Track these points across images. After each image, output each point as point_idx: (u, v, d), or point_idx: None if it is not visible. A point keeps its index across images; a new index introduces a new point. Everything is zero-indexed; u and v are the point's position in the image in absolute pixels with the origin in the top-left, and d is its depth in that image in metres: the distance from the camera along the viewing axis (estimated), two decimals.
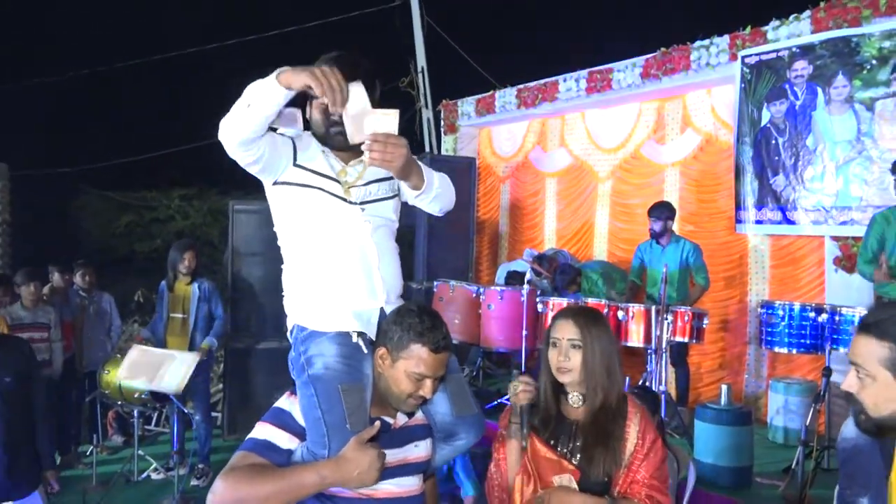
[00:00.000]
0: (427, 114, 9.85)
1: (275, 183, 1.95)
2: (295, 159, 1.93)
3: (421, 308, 1.87)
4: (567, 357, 1.99)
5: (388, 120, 1.82)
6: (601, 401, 1.99)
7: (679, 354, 5.60)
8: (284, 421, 1.83)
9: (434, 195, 2.00)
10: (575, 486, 1.94)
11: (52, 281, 5.85)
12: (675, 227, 5.88)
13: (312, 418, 1.78)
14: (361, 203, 1.97)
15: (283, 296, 2.04)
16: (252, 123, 1.75)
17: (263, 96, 1.72)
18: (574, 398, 2.04)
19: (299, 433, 1.81)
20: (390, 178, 2.02)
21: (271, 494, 1.68)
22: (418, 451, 1.93)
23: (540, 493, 1.89)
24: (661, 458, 2.01)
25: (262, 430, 1.81)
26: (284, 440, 1.80)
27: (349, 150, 1.97)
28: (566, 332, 2.01)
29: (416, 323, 1.82)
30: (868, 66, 5.10)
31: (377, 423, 1.80)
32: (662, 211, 5.70)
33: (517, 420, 1.99)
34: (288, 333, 2.01)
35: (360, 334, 1.90)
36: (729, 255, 6.41)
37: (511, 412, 2.05)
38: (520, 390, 2.00)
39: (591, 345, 1.99)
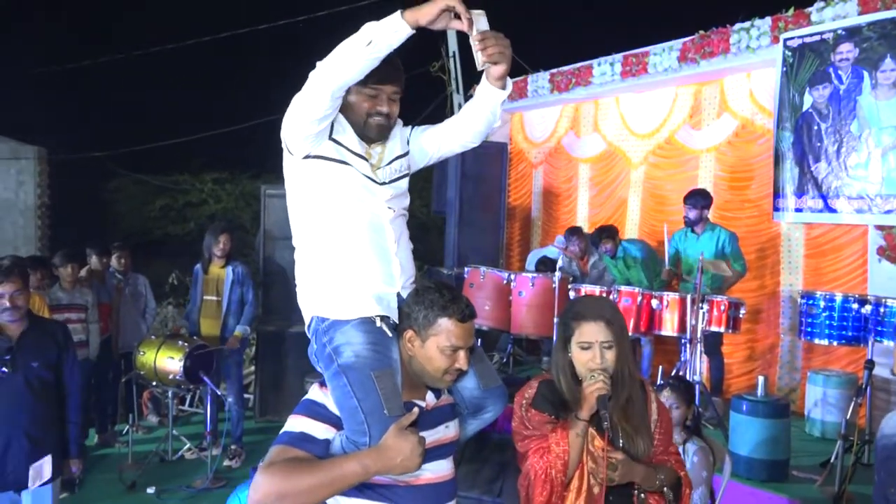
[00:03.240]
0: (458, 98, 9.77)
1: (306, 156, 1.89)
2: (332, 132, 1.90)
3: (437, 284, 1.87)
4: (604, 358, 2.02)
5: (483, 20, 1.79)
6: (628, 392, 2.05)
7: (713, 344, 5.50)
8: (318, 412, 1.81)
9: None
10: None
11: (90, 263, 5.94)
12: (709, 214, 5.77)
13: (348, 408, 1.77)
14: (388, 183, 1.97)
15: (296, 290, 2.00)
16: (366, 63, 1.73)
17: (387, 34, 1.69)
18: None
19: (335, 422, 1.80)
20: (405, 156, 2.03)
21: (314, 487, 1.67)
22: (448, 431, 1.93)
23: (611, 460, 1.97)
24: (672, 426, 2.25)
25: (297, 423, 1.80)
26: (321, 430, 1.78)
27: (380, 142, 1.98)
28: (598, 335, 2.03)
29: (437, 298, 1.82)
30: None
31: (415, 409, 1.79)
32: (698, 199, 5.60)
33: (605, 410, 1.97)
34: (306, 328, 1.98)
35: (384, 318, 1.88)
36: (761, 243, 6.27)
37: (593, 405, 2.01)
38: (599, 380, 1.99)
39: (622, 342, 2.04)
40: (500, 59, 1.81)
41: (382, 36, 1.69)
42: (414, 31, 1.71)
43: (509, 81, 1.93)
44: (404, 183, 2.03)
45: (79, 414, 3.40)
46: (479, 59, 1.80)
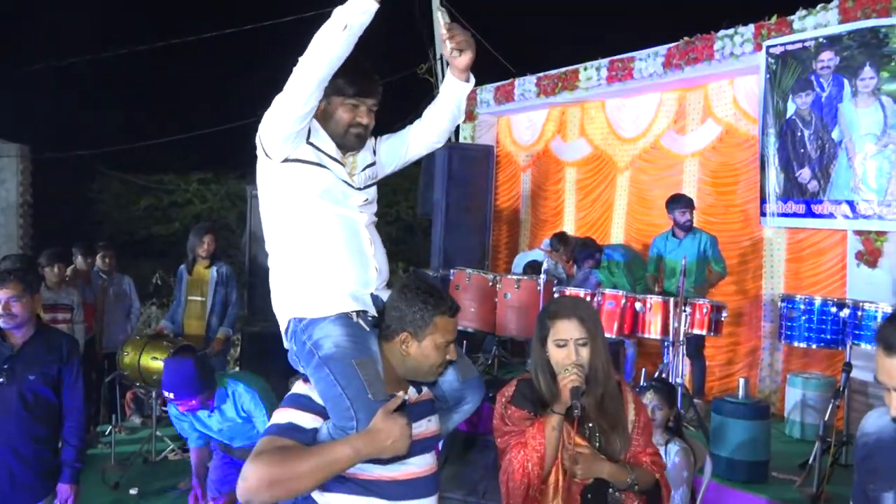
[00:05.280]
0: None
1: (285, 160, 1.92)
2: (309, 136, 1.95)
3: (419, 285, 1.91)
4: (579, 355, 2.07)
5: (445, 14, 1.97)
6: (603, 389, 2.09)
7: (695, 347, 5.56)
8: (304, 403, 1.84)
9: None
10: None
11: (76, 263, 5.90)
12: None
13: (333, 396, 1.80)
14: (362, 189, 2.03)
15: (271, 297, 2.03)
16: (345, 46, 1.79)
17: (357, 13, 1.76)
18: None
19: (321, 412, 1.83)
20: (374, 164, 2.10)
21: (307, 472, 1.69)
22: (431, 425, 1.97)
23: (571, 451, 2.01)
24: (652, 428, 2.30)
25: (284, 415, 1.83)
26: (307, 420, 1.81)
27: (356, 151, 2.05)
28: (573, 332, 2.08)
29: (427, 298, 1.87)
30: None
31: (400, 393, 1.83)
32: (689, 203, 5.70)
33: (576, 400, 2.01)
34: (283, 334, 2.00)
35: (360, 313, 1.92)
36: (744, 248, 6.36)
37: (567, 398, 2.05)
38: (573, 372, 2.04)
39: (596, 340, 2.09)
40: (466, 48, 1.96)
41: (353, 16, 1.76)
42: (379, 6, 1.78)
43: (472, 76, 2.05)
44: (374, 190, 2.10)
45: (77, 436, 3.17)
46: (447, 48, 1.95)
